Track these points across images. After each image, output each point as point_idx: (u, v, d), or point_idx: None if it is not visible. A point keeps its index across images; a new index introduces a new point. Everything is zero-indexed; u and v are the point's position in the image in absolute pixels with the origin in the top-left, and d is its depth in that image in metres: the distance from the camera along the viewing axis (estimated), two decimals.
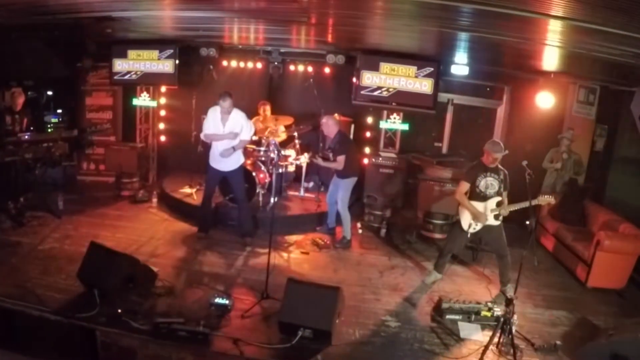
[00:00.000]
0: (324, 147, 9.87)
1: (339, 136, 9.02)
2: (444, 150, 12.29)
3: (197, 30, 9.20)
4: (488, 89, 11.93)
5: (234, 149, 8.53)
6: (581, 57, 6.89)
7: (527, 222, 6.63)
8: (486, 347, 6.02)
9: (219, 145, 8.57)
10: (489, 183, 7.38)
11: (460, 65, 10.36)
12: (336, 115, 10.17)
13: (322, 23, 7.44)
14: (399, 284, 8.00)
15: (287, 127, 11.12)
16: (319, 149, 10.70)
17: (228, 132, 8.47)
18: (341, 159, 8.87)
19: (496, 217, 7.43)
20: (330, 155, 9.09)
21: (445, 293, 7.69)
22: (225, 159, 8.61)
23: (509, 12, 4.52)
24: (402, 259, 9.07)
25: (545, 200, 7.32)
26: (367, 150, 11.26)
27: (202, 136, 8.90)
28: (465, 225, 7.58)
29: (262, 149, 10.25)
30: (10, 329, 5.03)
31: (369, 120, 11.64)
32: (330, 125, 9.02)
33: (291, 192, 11.38)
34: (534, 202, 7.03)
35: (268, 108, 11.10)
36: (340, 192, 9.10)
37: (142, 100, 11.82)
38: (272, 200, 9.18)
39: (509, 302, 6.05)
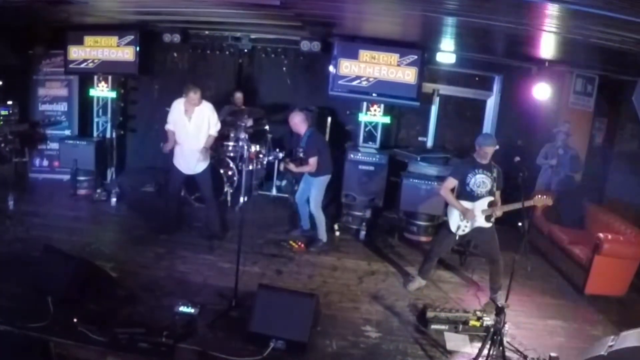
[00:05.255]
0: (296, 145, 9.74)
1: (309, 134, 8.89)
2: (429, 145, 12.31)
3: (159, 15, 9.11)
4: (477, 78, 11.96)
5: (205, 148, 8.56)
6: (578, 43, 6.91)
7: (520, 224, 6.60)
8: None
9: (184, 144, 8.53)
10: (479, 181, 7.33)
11: (446, 53, 10.38)
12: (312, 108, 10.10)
13: (296, 7, 7.37)
14: (379, 291, 7.98)
15: (258, 120, 11.04)
16: (289, 150, 10.61)
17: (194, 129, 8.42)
18: (313, 161, 8.74)
19: (488, 218, 7.39)
20: (301, 153, 8.93)
21: (430, 301, 7.68)
22: (190, 161, 8.60)
23: None
24: (383, 263, 9.05)
25: (541, 201, 7.31)
26: (345, 145, 11.20)
27: (166, 127, 8.79)
28: (453, 227, 7.54)
29: (231, 143, 10.17)
30: None
31: (347, 112, 11.58)
32: (297, 122, 8.91)
33: (262, 192, 11.32)
34: (529, 204, 7.03)
35: (240, 98, 11.01)
36: (313, 191, 9.01)
37: (100, 90, 11.73)
38: (241, 199, 9.10)
39: (499, 311, 6.02)
